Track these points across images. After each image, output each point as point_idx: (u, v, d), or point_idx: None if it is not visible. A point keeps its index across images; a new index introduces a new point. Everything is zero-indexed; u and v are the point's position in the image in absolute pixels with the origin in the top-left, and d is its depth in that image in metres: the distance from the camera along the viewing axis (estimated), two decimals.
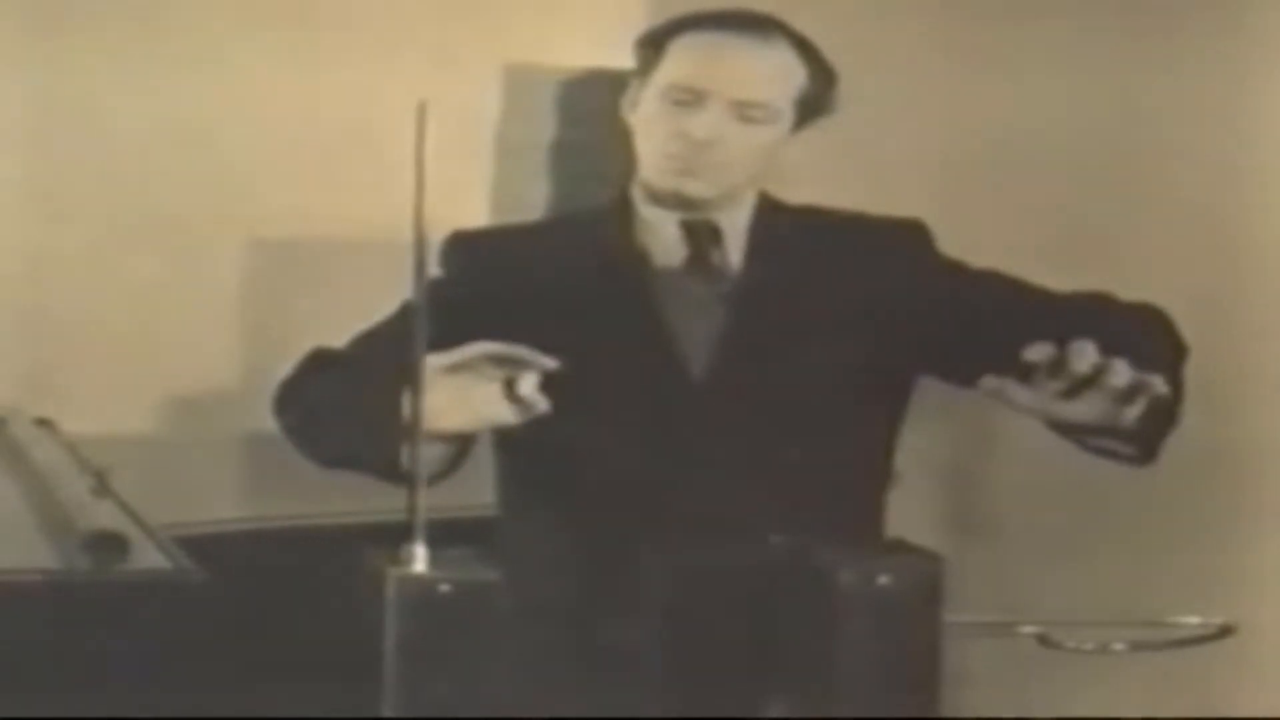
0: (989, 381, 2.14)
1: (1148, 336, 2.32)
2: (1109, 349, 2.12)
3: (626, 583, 2.31)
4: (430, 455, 2.14)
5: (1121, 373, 2.11)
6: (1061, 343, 2.11)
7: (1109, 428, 2.18)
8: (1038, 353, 2.10)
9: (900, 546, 2.05)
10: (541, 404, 2.10)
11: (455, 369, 2.10)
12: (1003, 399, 2.13)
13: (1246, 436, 3.13)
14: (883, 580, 1.93)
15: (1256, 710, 2.95)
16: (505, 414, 2.12)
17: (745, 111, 2.37)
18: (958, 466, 3.18)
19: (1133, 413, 2.14)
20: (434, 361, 2.07)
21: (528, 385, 2.09)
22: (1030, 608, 2.57)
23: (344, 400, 2.21)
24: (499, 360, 2.12)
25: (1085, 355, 2.10)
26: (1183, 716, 2.77)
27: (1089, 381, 2.10)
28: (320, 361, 2.35)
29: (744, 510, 2.31)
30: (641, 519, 2.33)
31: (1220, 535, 3.12)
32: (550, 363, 2.12)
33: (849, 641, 1.94)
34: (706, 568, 2.30)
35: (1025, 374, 2.12)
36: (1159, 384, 2.13)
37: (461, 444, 2.23)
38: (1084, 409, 2.15)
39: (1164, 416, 2.22)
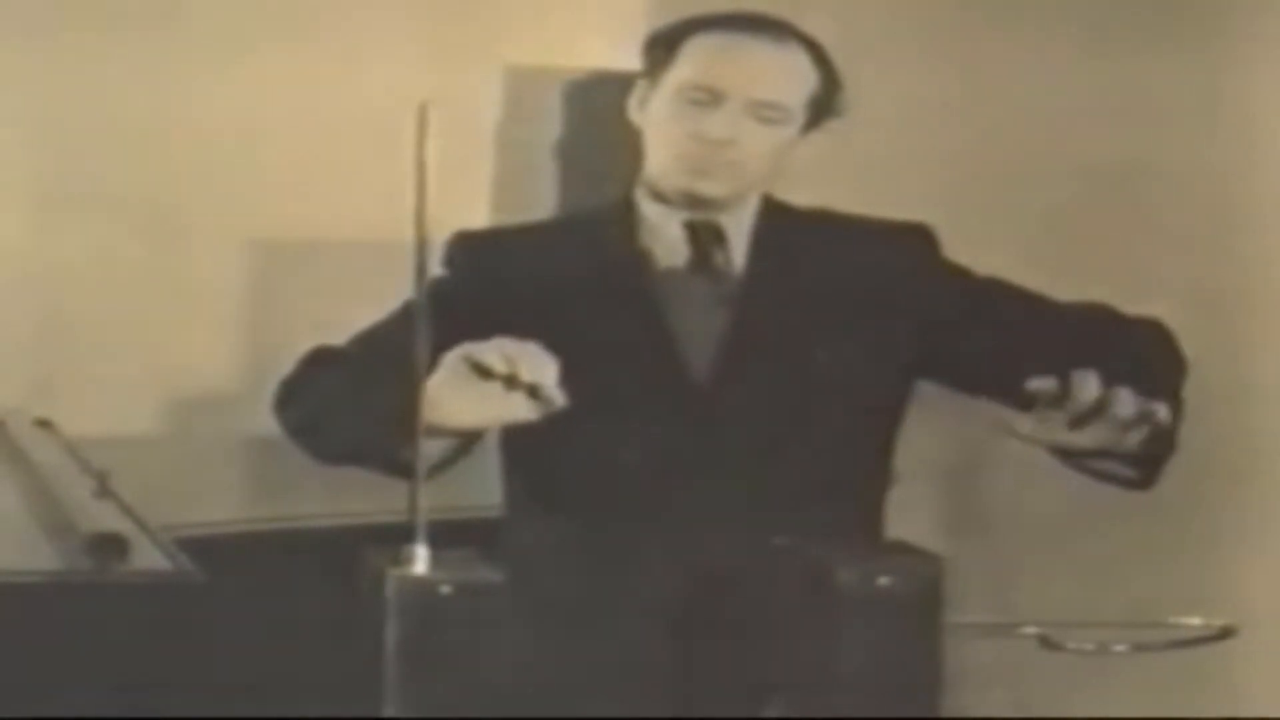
0: (993, 416, 2.15)
1: (1149, 352, 2.33)
2: (1111, 364, 2.13)
3: (628, 583, 2.32)
4: (436, 447, 2.15)
5: (1126, 403, 2.12)
6: (1064, 374, 2.12)
7: (1111, 452, 2.19)
8: (1041, 385, 2.11)
9: (901, 547, 2.05)
10: (560, 400, 2.09)
11: (473, 366, 2.09)
12: (1007, 432, 2.15)
13: (1247, 437, 3.12)
14: (883, 581, 1.93)
15: (1256, 711, 2.95)
16: (524, 410, 2.11)
17: (761, 111, 2.37)
18: (958, 467, 3.18)
19: (1135, 438, 2.16)
20: (455, 354, 2.08)
21: (549, 382, 2.08)
22: (1031, 609, 2.57)
23: (354, 395, 2.21)
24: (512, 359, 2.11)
25: (1088, 387, 2.11)
26: (1183, 717, 2.77)
27: (1093, 413, 2.11)
28: (323, 359, 2.35)
29: (745, 511, 2.31)
30: (643, 519, 2.33)
31: (1220, 536, 3.12)
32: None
33: (849, 642, 1.94)
34: (708, 568, 2.30)
35: (1028, 404, 2.13)
36: (1162, 412, 2.15)
37: (467, 437, 2.22)
38: (1087, 438, 2.16)
39: (1165, 442, 2.23)
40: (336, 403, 2.25)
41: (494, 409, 2.11)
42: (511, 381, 2.08)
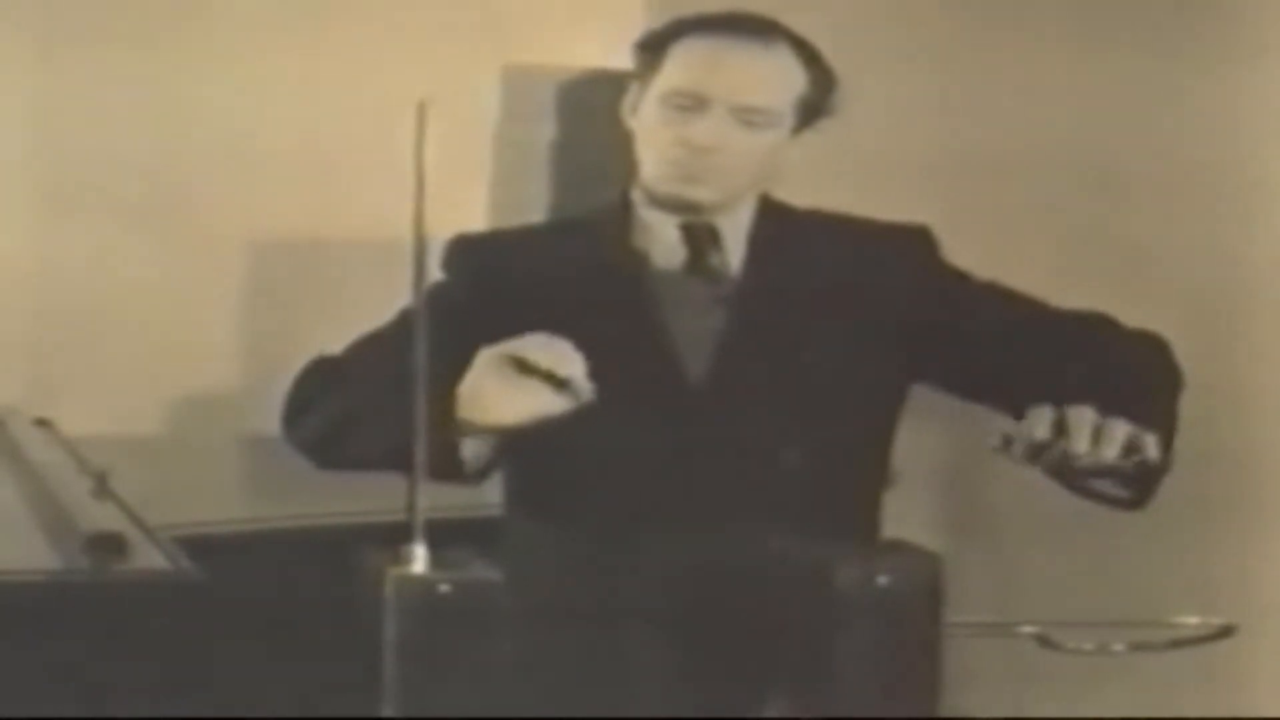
0: (991, 440, 2.17)
1: (1145, 368, 2.33)
2: (1105, 377, 2.15)
3: (626, 583, 2.32)
4: (476, 449, 2.17)
5: (1116, 437, 2.14)
6: (1060, 408, 2.14)
7: (1103, 476, 2.21)
8: (1040, 428, 2.13)
9: (899, 547, 2.05)
10: (589, 393, 2.11)
11: (515, 362, 2.11)
12: (1005, 456, 2.17)
13: (1247, 438, 3.13)
14: (882, 580, 1.93)
15: (1256, 710, 2.95)
16: (558, 404, 2.13)
17: (747, 117, 2.36)
18: (956, 467, 3.18)
19: (1126, 466, 2.17)
20: (494, 352, 2.10)
21: (580, 374, 2.10)
22: (1030, 608, 2.57)
23: (385, 403, 2.19)
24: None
25: (1084, 425, 2.13)
26: (1183, 716, 2.77)
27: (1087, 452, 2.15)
28: (332, 371, 2.34)
29: (743, 511, 2.31)
30: (641, 520, 2.33)
31: (1220, 535, 3.12)
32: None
33: (849, 641, 1.94)
34: (706, 568, 2.30)
35: (1028, 444, 2.15)
36: (1151, 448, 2.16)
37: (503, 440, 2.23)
38: (1078, 466, 2.18)
39: (1157, 470, 2.24)
40: (363, 412, 2.24)
41: (532, 404, 2.13)
42: (550, 376, 2.10)
